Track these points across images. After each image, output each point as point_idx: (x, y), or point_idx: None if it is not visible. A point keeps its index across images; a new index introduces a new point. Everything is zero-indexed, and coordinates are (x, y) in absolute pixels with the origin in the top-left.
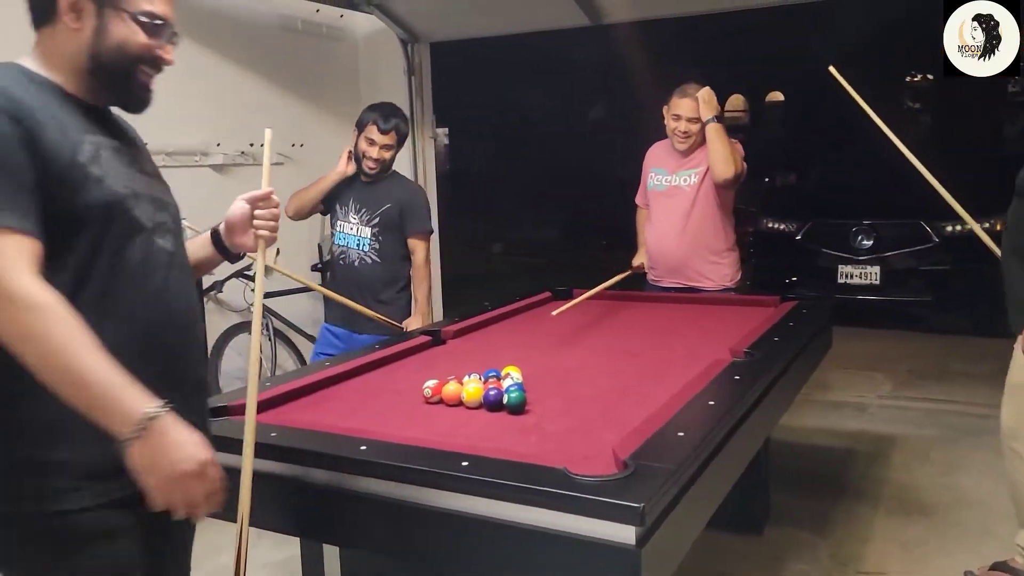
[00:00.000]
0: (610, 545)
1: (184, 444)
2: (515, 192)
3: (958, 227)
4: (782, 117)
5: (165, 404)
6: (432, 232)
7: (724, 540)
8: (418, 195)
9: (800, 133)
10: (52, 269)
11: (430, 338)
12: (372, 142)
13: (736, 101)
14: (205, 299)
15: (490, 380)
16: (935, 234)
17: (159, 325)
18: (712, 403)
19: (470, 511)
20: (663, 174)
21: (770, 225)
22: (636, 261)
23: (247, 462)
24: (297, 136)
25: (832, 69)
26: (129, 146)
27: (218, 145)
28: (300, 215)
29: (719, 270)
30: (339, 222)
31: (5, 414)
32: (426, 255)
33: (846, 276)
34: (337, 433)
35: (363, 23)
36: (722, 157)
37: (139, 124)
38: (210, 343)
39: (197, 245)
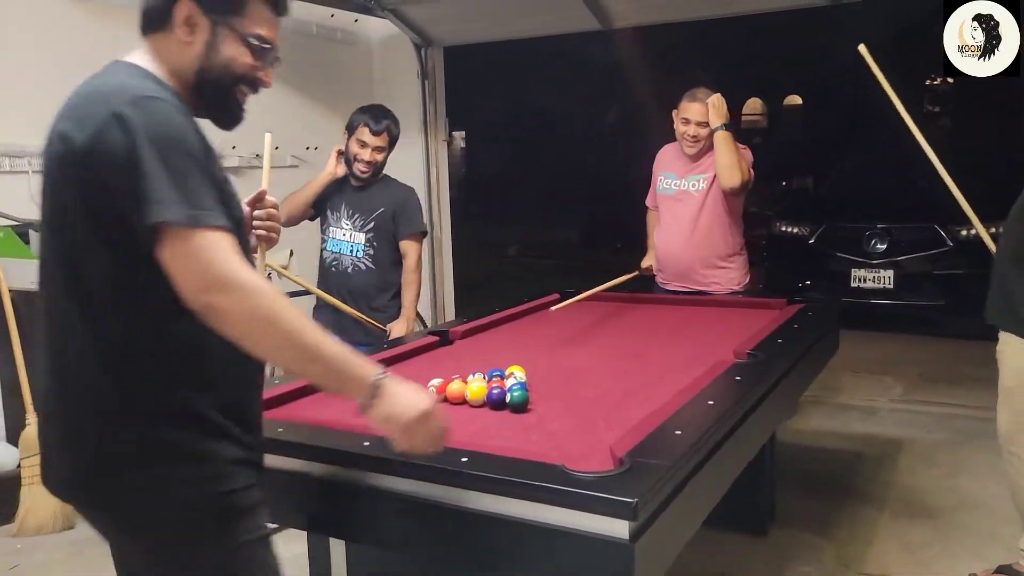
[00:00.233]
0: (604, 539)
1: (409, 396)
2: (528, 195)
3: (972, 231)
4: (799, 120)
5: (384, 370)
6: (425, 233)
7: (728, 540)
8: (410, 196)
9: (817, 136)
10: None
11: (438, 338)
12: (364, 144)
13: (754, 104)
14: None
15: (494, 379)
16: (949, 238)
17: None
18: (711, 403)
19: (469, 505)
20: (672, 178)
21: (783, 228)
22: (645, 263)
23: None
24: (311, 140)
25: (862, 48)
26: None
27: (233, 148)
28: (291, 220)
29: (727, 274)
30: (331, 228)
31: (191, 412)
32: (417, 259)
33: (859, 280)
34: (342, 429)
35: (377, 27)
36: (728, 165)
37: None
38: None
39: None
